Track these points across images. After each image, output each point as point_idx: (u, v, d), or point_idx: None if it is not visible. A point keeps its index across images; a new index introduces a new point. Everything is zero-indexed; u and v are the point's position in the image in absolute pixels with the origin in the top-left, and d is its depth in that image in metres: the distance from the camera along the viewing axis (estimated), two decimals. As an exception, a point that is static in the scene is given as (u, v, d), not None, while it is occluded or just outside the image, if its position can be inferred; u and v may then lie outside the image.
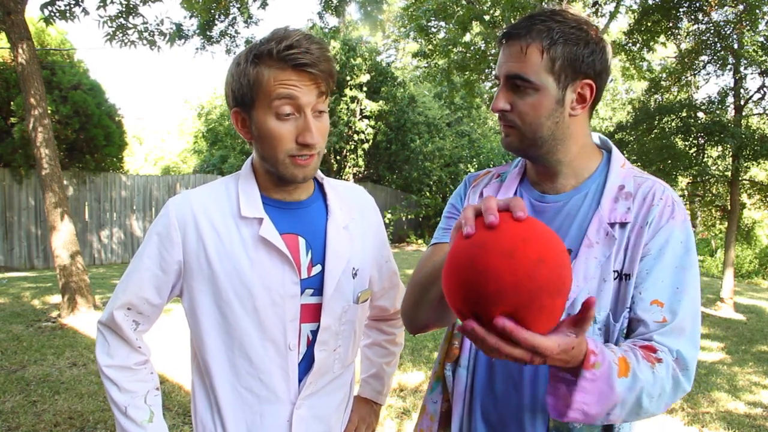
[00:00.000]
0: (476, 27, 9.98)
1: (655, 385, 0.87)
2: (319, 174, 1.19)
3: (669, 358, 0.90)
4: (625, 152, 7.95)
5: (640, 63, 9.07)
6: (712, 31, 7.39)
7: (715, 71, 7.78)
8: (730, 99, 7.43)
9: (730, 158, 7.35)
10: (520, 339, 0.68)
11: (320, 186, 1.21)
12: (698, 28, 7.75)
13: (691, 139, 7.59)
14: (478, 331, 0.69)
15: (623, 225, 0.97)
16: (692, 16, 7.67)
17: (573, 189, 1.04)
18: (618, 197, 1.00)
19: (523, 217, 0.70)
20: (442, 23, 10.29)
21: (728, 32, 7.17)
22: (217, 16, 7.71)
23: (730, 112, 7.56)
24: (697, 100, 7.88)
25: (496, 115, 1.02)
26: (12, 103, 9.32)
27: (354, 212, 1.20)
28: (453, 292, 0.72)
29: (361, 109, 15.12)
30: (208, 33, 7.80)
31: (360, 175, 16.32)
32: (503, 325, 0.67)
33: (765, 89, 7.30)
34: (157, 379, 1.17)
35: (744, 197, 8.12)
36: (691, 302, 0.93)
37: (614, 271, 0.96)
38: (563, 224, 1.02)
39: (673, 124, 7.61)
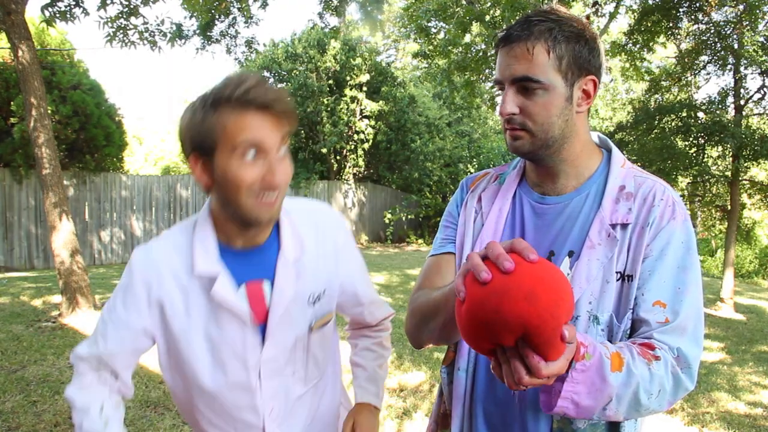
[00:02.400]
0: (476, 28, 9.98)
1: (653, 382, 0.87)
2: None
3: (668, 355, 0.90)
4: (625, 152, 7.94)
5: (640, 64, 9.07)
6: (712, 31, 7.38)
7: (715, 71, 7.78)
8: (730, 99, 7.43)
9: (730, 158, 7.35)
10: (547, 375, 0.73)
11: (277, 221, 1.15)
12: (698, 28, 7.75)
13: (691, 139, 7.59)
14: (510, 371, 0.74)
15: (624, 226, 0.97)
16: (692, 16, 7.66)
17: (574, 190, 1.04)
18: (619, 198, 0.99)
19: (536, 258, 0.72)
20: (443, 23, 10.29)
21: (728, 32, 7.16)
22: (217, 17, 7.71)
23: (731, 112, 7.56)
24: (697, 100, 7.89)
25: (498, 116, 1.02)
26: (12, 103, 9.33)
27: (309, 240, 1.15)
28: (477, 338, 0.75)
29: (361, 109, 15.13)
30: (209, 33, 7.81)
31: (360, 175, 16.32)
32: (541, 371, 0.72)
33: (765, 89, 7.30)
34: (122, 394, 1.20)
35: (744, 197, 8.12)
36: (692, 302, 0.94)
37: (617, 273, 0.96)
38: (564, 226, 1.02)
39: (673, 124, 7.61)
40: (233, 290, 1.06)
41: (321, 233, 1.18)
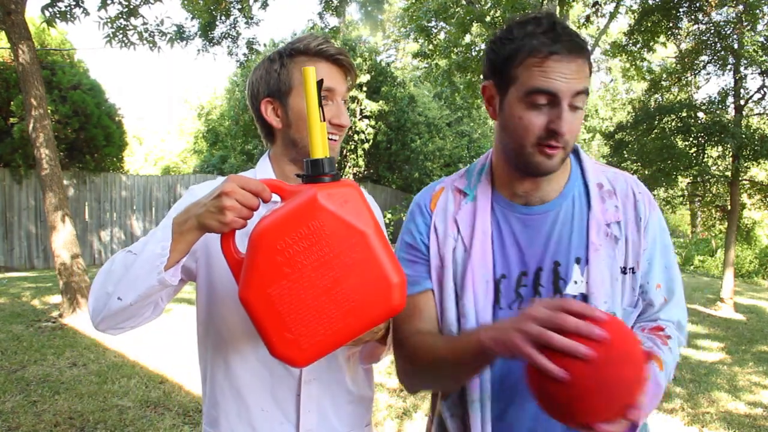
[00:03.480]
0: (476, 29, 9.98)
1: (673, 363, 0.98)
2: None
3: (673, 329, 1.01)
4: (625, 152, 7.94)
5: (641, 63, 9.07)
6: (712, 31, 7.38)
7: (715, 71, 7.78)
8: (731, 99, 7.43)
9: (730, 158, 7.35)
10: None
11: None
12: (698, 28, 7.75)
13: (691, 139, 7.59)
14: None
15: (617, 223, 1.01)
16: (692, 16, 7.66)
17: (558, 195, 1.02)
18: (603, 196, 1.02)
19: (607, 318, 0.75)
20: (443, 23, 10.30)
21: (728, 32, 7.16)
22: (218, 17, 7.71)
23: (731, 112, 7.56)
24: (697, 100, 7.88)
25: (537, 131, 0.91)
26: (12, 103, 9.33)
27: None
28: (590, 412, 0.76)
29: (361, 109, 15.13)
30: (210, 34, 7.81)
31: (360, 175, 16.32)
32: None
33: (765, 89, 7.29)
34: None
35: (744, 197, 8.11)
36: (676, 274, 1.05)
37: (621, 268, 1.00)
38: (562, 232, 1.00)
39: (673, 124, 7.60)
40: None
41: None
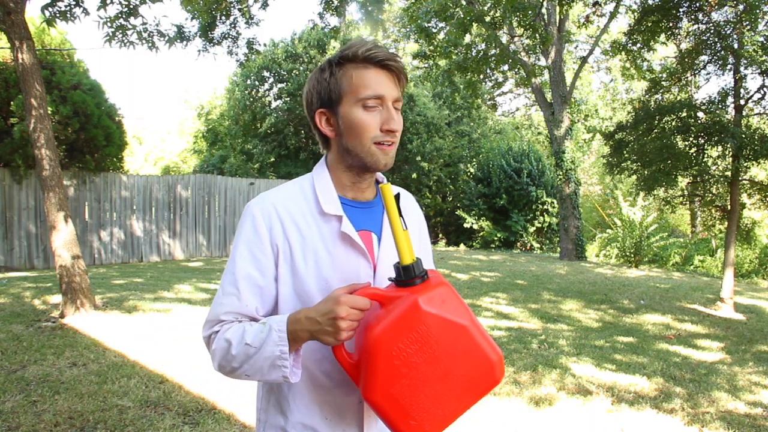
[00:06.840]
0: (476, 28, 9.98)
1: None
2: (380, 175, 1.27)
3: None
4: (625, 152, 7.93)
5: (641, 63, 9.07)
6: (712, 31, 7.37)
7: (715, 71, 7.76)
8: (731, 99, 7.42)
9: (730, 158, 7.34)
10: None
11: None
12: (698, 28, 7.74)
13: (691, 139, 7.58)
14: None
15: None
16: (692, 16, 7.66)
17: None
18: None
19: None
20: (443, 24, 10.30)
21: (728, 32, 7.16)
22: (218, 17, 7.72)
23: (731, 112, 7.55)
24: (697, 100, 7.87)
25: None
26: (12, 103, 9.33)
27: (405, 207, 1.29)
28: None
29: (361, 109, 15.12)
30: (210, 35, 7.81)
31: (360, 175, 16.29)
32: None
33: (765, 89, 7.29)
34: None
35: (744, 197, 8.10)
36: None
37: None
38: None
39: (673, 124, 7.59)
40: (355, 230, 1.16)
41: (410, 207, 1.34)
